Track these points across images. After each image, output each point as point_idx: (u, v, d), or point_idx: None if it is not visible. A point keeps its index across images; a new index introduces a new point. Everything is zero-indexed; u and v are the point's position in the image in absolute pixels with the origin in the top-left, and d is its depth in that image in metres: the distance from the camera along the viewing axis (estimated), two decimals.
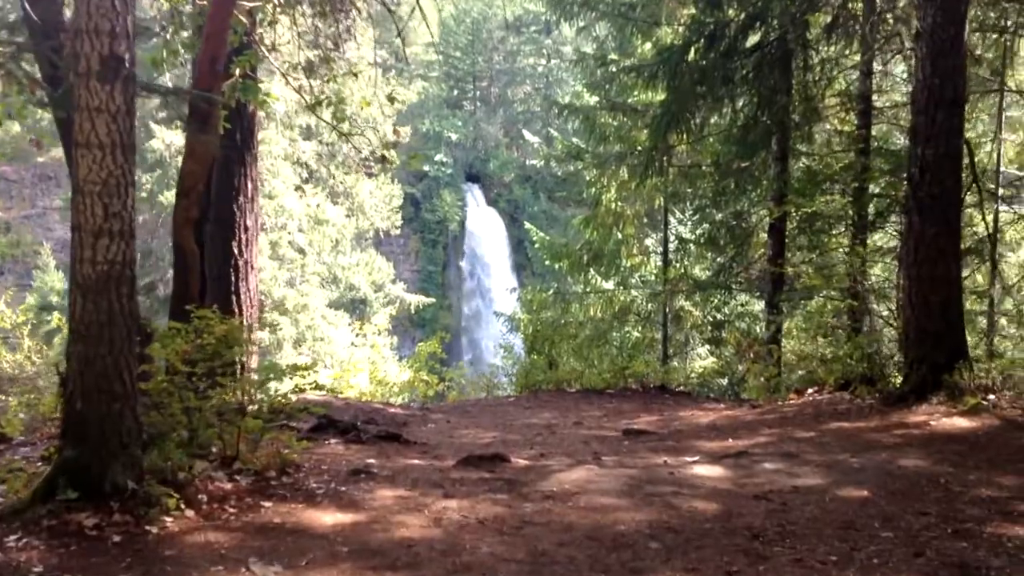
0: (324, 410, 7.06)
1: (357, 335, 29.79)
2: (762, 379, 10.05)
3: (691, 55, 9.28)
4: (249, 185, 12.40)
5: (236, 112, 11.69)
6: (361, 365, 34.29)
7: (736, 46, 9.37)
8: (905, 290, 7.82)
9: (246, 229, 12.33)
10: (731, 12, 9.16)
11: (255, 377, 12.19)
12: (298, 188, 39.80)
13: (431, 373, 13.23)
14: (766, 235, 14.28)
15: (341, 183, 43.72)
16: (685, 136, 10.36)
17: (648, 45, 15.15)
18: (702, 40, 9.16)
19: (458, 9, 66.80)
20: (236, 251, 12.20)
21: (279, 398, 6.88)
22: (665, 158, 10.28)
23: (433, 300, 51.72)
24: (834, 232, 13.31)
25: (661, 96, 14.97)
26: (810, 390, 8.68)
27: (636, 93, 15.31)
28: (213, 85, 6.78)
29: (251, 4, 8.78)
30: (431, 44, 66.90)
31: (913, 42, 8.40)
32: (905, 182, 12.37)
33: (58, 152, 41.72)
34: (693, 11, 10.77)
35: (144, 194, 33.18)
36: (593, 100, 16.00)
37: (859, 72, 12.47)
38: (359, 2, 11.36)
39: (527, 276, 56.35)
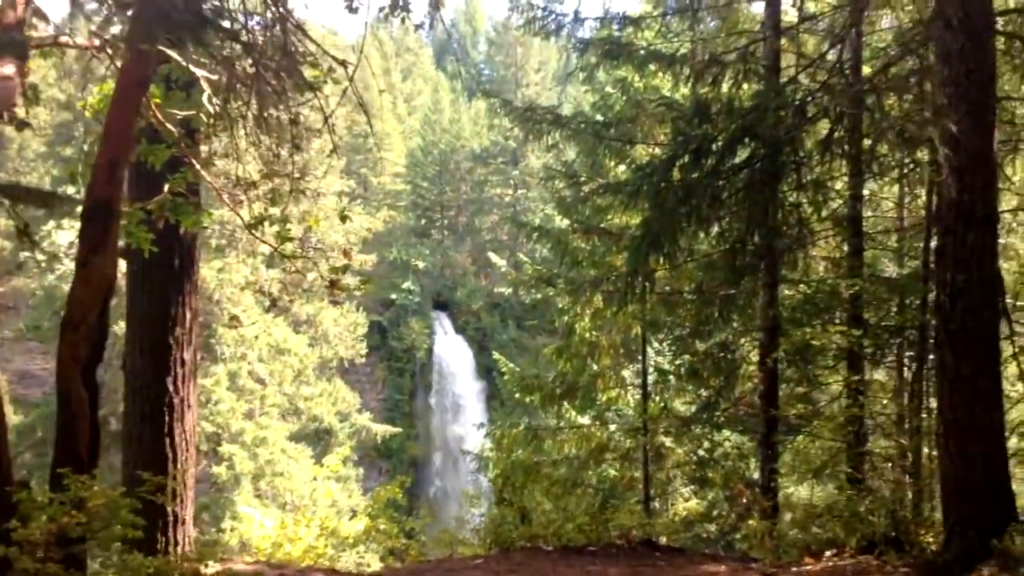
0: None
1: (315, 478, 28.26)
2: (763, 535, 8.80)
3: (676, 172, 8.37)
4: (188, 315, 11.21)
5: (174, 234, 10.69)
6: (319, 504, 32.51)
7: (724, 162, 8.49)
8: (942, 439, 6.73)
9: (182, 363, 11.07)
10: (720, 125, 8.29)
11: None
12: (268, 310, 38.72)
13: (391, 521, 11.81)
14: (753, 367, 13.26)
15: (304, 312, 42.85)
16: (667, 260, 9.39)
17: (622, 168, 14.42)
18: (687, 156, 8.27)
19: (425, 141, 67.68)
20: (171, 388, 10.92)
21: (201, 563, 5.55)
22: (647, 283, 9.29)
23: (400, 429, 50.29)
24: (829, 366, 12.32)
25: (638, 219, 14.23)
26: (827, 552, 7.47)
27: (610, 216, 14.50)
28: (112, 195, 5.69)
29: (183, 114, 7.82)
30: (398, 174, 67.36)
31: (935, 155, 7.56)
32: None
33: (19, 282, 40.36)
34: (673, 127, 9.99)
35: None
36: (564, 223, 15.15)
37: (849, 195, 11.75)
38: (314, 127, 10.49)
39: (496, 405, 55.23)
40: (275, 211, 8.97)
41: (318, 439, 44.41)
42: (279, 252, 8.14)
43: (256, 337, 34.49)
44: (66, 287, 31.88)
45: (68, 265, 32.21)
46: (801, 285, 12.09)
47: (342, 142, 59.59)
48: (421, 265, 60.60)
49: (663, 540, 10.78)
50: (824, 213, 10.49)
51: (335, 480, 40.72)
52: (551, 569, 8.01)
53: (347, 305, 46.37)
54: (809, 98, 8.66)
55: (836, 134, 8.85)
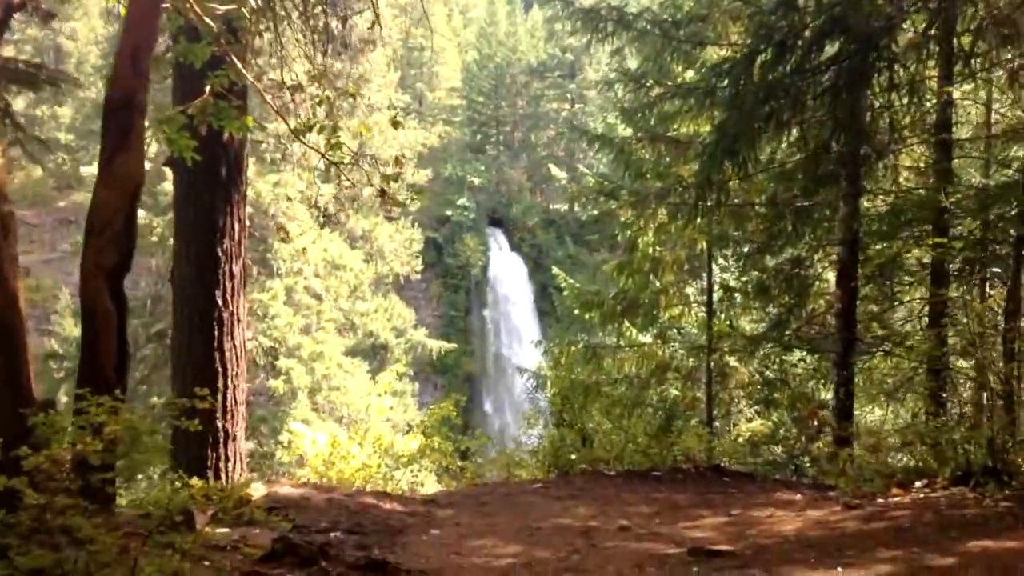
0: (289, 525, 5.34)
1: (371, 394, 28.28)
2: (843, 461, 8.19)
3: (756, 70, 7.59)
4: (236, 226, 10.81)
5: (219, 142, 10.20)
6: (374, 419, 32.63)
7: (809, 59, 7.70)
8: None
9: (231, 276, 10.72)
10: (807, 17, 7.45)
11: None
12: (323, 225, 38.48)
13: (445, 440, 11.45)
14: (827, 284, 12.54)
15: (360, 227, 42.60)
16: (743, 168, 8.66)
17: (690, 73, 13.52)
18: (770, 50, 7.48)
19: (481, 55, 66.37)
20: (220, 301, 10.59)
21: (243, 491, 5.17)
22: (720, 194, 8.60)
23: (455, 346, 50.37)
24: (909, 282, 11.56)
25: (709, 126, 13.39)
26: (917, 483, 6.88)
27: (677, 125, 13.68)
28: (136, 86, 5.14)
29: (224, 7, 7.22)
30: (454, 89, 66.28)
31: None
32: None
33: (78, 196, 40.68)
34: (752, 22, 9.11)
35: (155, 238, 31.90)
36: (627, 132, 14.33)
37: (937, 99, 10.78)
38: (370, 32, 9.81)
39: (551, 322, 55.02)
40: (323, 117, 8.40)
41: (374, 354, 44.69)
42: (327, 160, 7.56)
43: (305, 250, 34.18)
44: None
45: None
46: (883, 196, 11.22)
47: (396, 55, 58.69)
48: (476, 181, 59.97)
49: (729, 464, 10.30)
50: (915, 117, 9.59)
51: (391, 395, 41.03)
52: (614, 495, 7.55)
53: (402, 221, 46.04)
54: None
55: (933, 30, 7.99)
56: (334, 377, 36.30)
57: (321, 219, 38.40)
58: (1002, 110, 12.40)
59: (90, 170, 33.96)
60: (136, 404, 33.47)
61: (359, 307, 41.68)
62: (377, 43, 44.77)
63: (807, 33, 7.56)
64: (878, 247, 10.67)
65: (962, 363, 9.74)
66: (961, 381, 9.79)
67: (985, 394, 8.57)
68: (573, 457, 9.11)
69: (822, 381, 13.57)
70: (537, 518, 6.57)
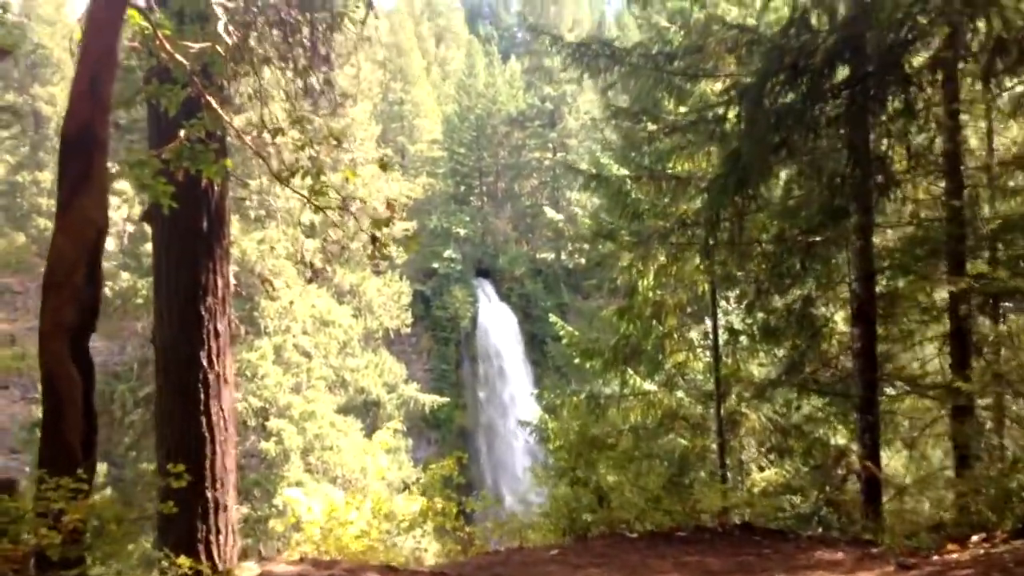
0: None
1: (367, 455, 27.50)
2: (887, 515, 7.60)
3: (767, 96, 7.14)
4: (219, 283, 10.23)
5: (199, 193, 9.68)
6: (370, 477, 31.77)
7: (822, 82, 7.25)
8: None
9: (216, 336, 10.12)
10: (820, 36, 7.01)
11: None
12: (310, 280, 37.99)
13: (447, 500, 10.77)
14: (839, 324, 12.03)
15: (348, 281, 42.12)
16: (754, 201, 8.18)
17: (683, 108, 13.12)
18: (782, 73, 7.03)
19: (461, 106, 66.65)
20: (205, 362, 9.97)
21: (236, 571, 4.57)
22: (736, 227, 8.10)
23: (448, 399, 49.70)
24: (925, 320, 11.05)
25: (706, 163, 12.97)
26: (974, 537, 6.28)
27: (672, 163, 13.26)
28: (95, 118, 4.59)
29: (197, 46, 6.74)
30: (435, 141, 66.39)
31: None
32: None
33: None
34: (756, 50, 8.69)
35: (140, 300, 31.36)
36: (621, 171, 13.88)
37: (943, 126, 10.35)
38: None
39: (542, 373, 54.53)
40: (305, 160, 7.89)
41: (366, 411, 44.06)
42: (314, 204, 7.04)
43: (292, 303, 33.60)
44: (107, 265, 31.43)
45: (111, 245, 31.69)
46: (898, 228, 10.75)
47: (376, 109, 58.66)
48: (462, 232, 59.77)
49: (748, 518, 9.68)
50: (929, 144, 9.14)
51: (386, 452, 40.13)
52: (639, 561, 6.91)
53: (390, 274, 45.66)
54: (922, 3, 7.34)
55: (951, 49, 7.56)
56: (327, 436, 35.57)
57: (308, 274, 37.91)
58: (1004, 139, 12.05)
59: None
60: (126, 471, 32.63)
61: (349, 363, 41.08)
62: (358, 96, 44.73)
63: (819, 55, 7.10)
64: (900, 282, 10.16)
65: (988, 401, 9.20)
66: (991, 423, 9.24)
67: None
68: (589, 519, 8.48)
69: (838, 426, 13.02)
70: None
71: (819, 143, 8.15)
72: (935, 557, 6.01)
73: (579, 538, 8.28)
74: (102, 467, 35.57)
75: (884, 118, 8.09)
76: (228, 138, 10.19)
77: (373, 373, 43.74)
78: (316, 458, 35.44)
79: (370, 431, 40.03)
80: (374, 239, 7.31)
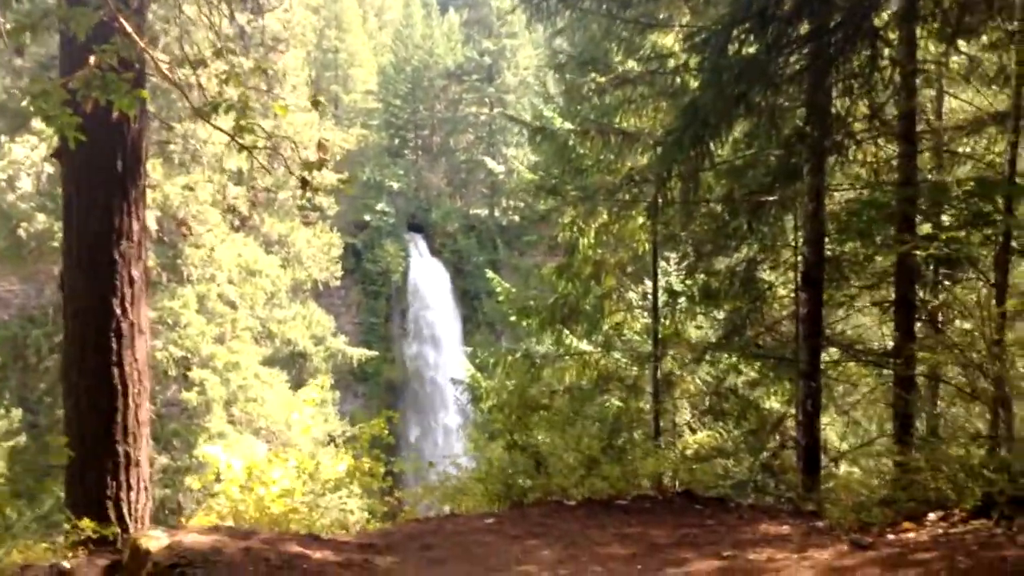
0: None
1: (294, 413, 27.01)
2: (838, 488, 7.34)
3: (733, 41, 6.70)
4: (135, 226, 9.49)
5: (113, 129, 8.94)
6: (295, 431, 31.27)
7: (787, 32, 6.85)
8: None
9: (131, 282, 9.41)
10: None
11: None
12: (237, 228, 37.01)
13: (375, 461, 10.28)
14: (783, 288, 11.82)
15: (276, 231, 41.16)
16: (708, 158, 7.78)
17: (631, 62, 12.66)
18: (748, 21, 6.60)
19: (397, 57, 65.36)
20: (118, 311, 9.28)
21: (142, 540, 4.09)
22: (690, 185, 7.71)
23: (376, 353, 49.20)
24: (872, 284, 10.84)
25: (653, 121, 12.56)
26: (931, 515, 6.02)
27: (619, 118, 12.81)
28: None
29: None
30: (370, 92, 65.06)
31: None
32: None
33: None
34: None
35: (56, 243, 30.14)
36: (566, 125, 13.37)
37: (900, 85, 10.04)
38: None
39: (472, 329, 54.30)
40: (231, 94, 7.26)
41: (293, 363, 43.45)
42: (238, 141, 6.43)
43: (214, 251, 32.64)
44: (24, 205, 29.95)
45: (27, 185, 30.15)
46: (851, 190, 10.48)
47: (310, 57, 57.04)
48: (395, 186, 58.83)
49: (688, 485, 9.41)
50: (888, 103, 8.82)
51: (311, 405, 39.47)
52: (579, 531, 6.54)
53: (320, 225, 44.73)
54: None
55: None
56: (251, 388, 34.90)
57: (235, 222, 36.82)
58: (956, 103, 11.88)
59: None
60: (40, 417, 31.50)
61: (276, 314, 40.33)
62: (290, 41, 43.37)
63: (787, 3, 6.69)
64: (847, 246, 9.90)
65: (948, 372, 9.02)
66: (942, 393, 9.08)
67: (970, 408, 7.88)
68: (526, 485, 8.11)
69: (774, 391, 12.89)
70: (495, 566, 5.54)
71: (778, 99, 7.78)
72: (890, 536, 5.74)
73: (515, 505, 7.91)
74: (16, 413, 34.39)
75: (846, 74, 7.73)
76: (148, 73, 9.45)
77: (301, 325, 43.06)
78: (239, 409, 34.83)
79: (296, 384, 39.43)
80: (304, 183, 6.75)
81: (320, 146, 7.05)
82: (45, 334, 31.06)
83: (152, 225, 30.20)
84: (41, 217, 29.88)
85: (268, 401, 34.75)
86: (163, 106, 29.16)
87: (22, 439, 34.74)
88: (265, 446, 31.71)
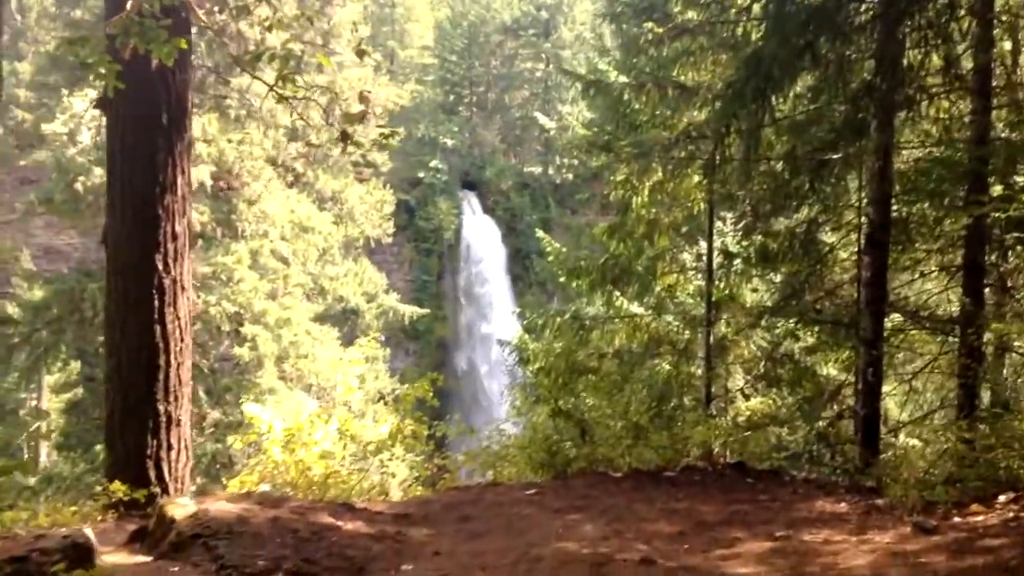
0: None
1: (340, 372, 27.00)
2: (901, 464, 6.94)
3: None
4: (179, 180, 9.33)
5: (158, 79, 8.74)
6: (344, 389, 31.40)
7: None
8: None
9: (174, 238, 9.26)
10: None
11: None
12: (291, 185, 37.07)
13: (419, 423, 10.08)
14: (846, 252, 11.32)
15: (329, 188, 41.16)
16: (769, 112, 7.33)
17: (691, 12, 12.11)
18: None
19: (454, 12, 64.71)
20: (160, 266, 9.15)
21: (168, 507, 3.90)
22: (751, 142, 7.27)
23: (428, 311, 49.20)
24: (937, 248, 10.31)
25: (711, 75, 12.06)
26: (1001, 497, 5.64)
27: (676, 71, 12.30)
28: None
29: None
30: (426, 47, 64.63)
31: None
32: None
33: (40, 155, 39.06)
34: None
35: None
36: (621, 79, 12.88)
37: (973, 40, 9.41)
38: None
39: (524, 288, 54.06)
40: (276, 44, 7.00)
41: (345, 319, 43.59)
42: (277, 92, 6.17)
43: (263, 207, 32.68)
44: (81, 159, 30.18)
45: (86, 139, 30.36)
46: (914, 151, 9.92)
47: (367, 12, 56.73)
48: (449, 143, 58.46)
49: (740, 456, 9.07)
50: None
51: (363, 360, 39.71)
52: (624, 505, 6.25)
53: (374, 181, 44.61)
54: None
55: None
56: (302, 344, 35.02)
57: (289, 179, 36.82)
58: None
59: (52, 127, 32.24)
60: (97, 370, 32.00)
61: (328, 271, 40.40)
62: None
63: None
64: (915, 207, 9.37)
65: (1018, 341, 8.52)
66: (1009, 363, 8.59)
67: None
68: (571, 454, 7.82)
69: (832, 357, 12.41)
70: (535, 541, 5.28)
71: (846, 49, 7.28)
72: (956, 518, 5.37)
73: (558, 475, 7.63)
74: (75, 366, 35.02)
75: (920, 24, 7.20)
76: (193, 23, 9.22)
77: (353, 282, 43.10)
78: (291, 365, 35.02)
79: (348, 340, 39.55)
80: (344, 135, 6.47)
81: (362, 98, 6.77)
82: (101, 288, 31.38)
83: (207, 180, 30.34)
84: (98, 171, 30.09)
85: (319, 358, 34.90)
86: (220, 60, 29.01)
87: (80, 391, 35.42)
88: (316, 402, 31.92)
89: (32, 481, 35.05)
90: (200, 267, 31.48)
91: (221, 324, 32.37)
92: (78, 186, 30.19)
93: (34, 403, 42.48)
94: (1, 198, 51.87)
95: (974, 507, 5.51)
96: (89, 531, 4.90)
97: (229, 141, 31.72)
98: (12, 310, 33.87)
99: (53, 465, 38.60)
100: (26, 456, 42.20)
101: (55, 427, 40.38)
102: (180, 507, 4.94)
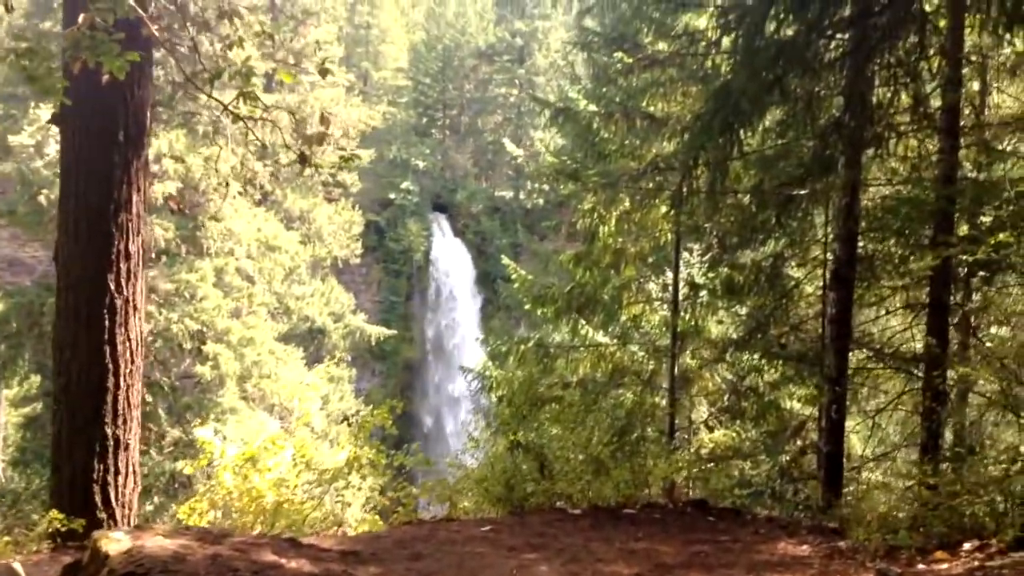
0: None
1: (296, 399, 26.71)
2: (866, 508, 6.81)
3: (770, 24, 6.17)
4: (135, 198, 9.08)
5: (117, 95, 8.52)
6: (304, 408, 30.96)
7: (832, 12, 6.30)
8: None
9: (128, 256, 9.01)
10: None
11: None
12: (259, 203, 36.76)
13: (378, 453, 9.83)
14: (811, 287, 11.29)
15: (298, 207, 40.92)
16: (737, 147, 7.25)
17: (661, 45, 12.10)
18: (786, 1, 6.06)
19: (429, 35, 64.90)
20: (112, 285, 8.89)
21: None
22: (717, 174, 7.19)
23: (395, 332, 48.99)
24: (901, 285, 10.28)
25: (682, 107, 12.04)
26: (966, 545, 5.52)
27: (646, 102, 12.28)
28: None
29: None
30: (400, 69, 64.66)
31: None
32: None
33: (6, 167, 38.51)
34: None
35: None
36: (592, 107, 12.82)
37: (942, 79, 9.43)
38: None
39: (493, 311, 53.94)
40: (236, 60, 6.82)
41: (311, 339, 43.22)
42: (231, 112, 5.99)
43: (223, 224, 32.36)
44: (46, 172, 29.69)
45: (53, 151, 29.90)
46: (881, 188, 9.90)
47: (342, 32, 56.61)
48: (421, 165, 58.44)
49: (701, 492, 8.94)
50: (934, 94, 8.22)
51: (328, 381, 39.40)
52: (582, 545, 6.06)
53: (343, 202, 44.43)
54: None
55: None
56: (265, 364, 34.59)
57: (257, 197, 36.50)
58: (1002, 97, 11.29)
59: (18, 139, 31.72)
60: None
61: (295, 291, 40.09)
62: (321, 15, 42.92)
63: None
64: (881, 245, 9.34)
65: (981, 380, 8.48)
66: (973, 403, 8.54)
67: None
68: (529, 488, 7.63)
69: (794, 391, 12.37)
70: None
71: (816, 85, 7.23)
72: (920, 565, 5.24)
73: (515, 512, 7.44)
74: (36, 380, 34.34)
75: (890, 62, 7.16)
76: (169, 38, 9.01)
77: (319, 302, 42.83)
78: (253, 385, 34.56)
79: (314, 360, 39.22)
80: (303, 157, 6.30)
81: (322, 119, 6.59)
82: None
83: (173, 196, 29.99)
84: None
85: (282, 377, 34.51)
86: (190, 74, 28.69)
87: (39, 406, 34.68)
88: (277, 423, 31.51)
89: None
90: (163, 283, 31.08)
91: (183, 342, 31.90)
92: (42, 199, 29.71)
93: None
94: None
95: (938, 554, 5.38)
96: (18, 565, 4.66)
97: (197, 155, 31.37)
98: None
99: (9, 481, 37.75)
100: None
101: (12, 442, 39.53)
102: (115, 542, 4.70)
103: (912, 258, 9.24)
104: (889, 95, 7.60)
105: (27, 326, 31.60)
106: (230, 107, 6.09)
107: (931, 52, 7.02)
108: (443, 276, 56.24)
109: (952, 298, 9.64)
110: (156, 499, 29.88)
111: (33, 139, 30.72)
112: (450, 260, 56.63)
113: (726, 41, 8.19)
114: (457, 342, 53.37)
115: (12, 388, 36.11)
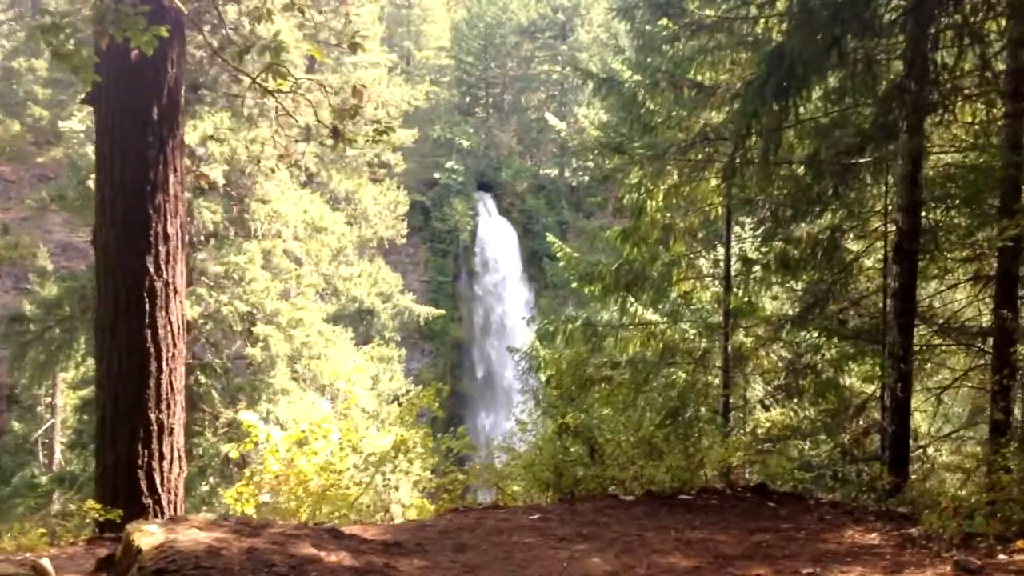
0: None
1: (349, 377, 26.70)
2: (939, 494, 6.43)
3: None
4: (171, 178, 8.91)
5: (150, 72, 8.35)
6: (355, 390, 30.93)
7: None
8: None
9: (166, 239, 8.84)
10: None
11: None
12: (304, 184, 36.80)
13: (426, 437, 9.61)
14: (872, 260, 10.82)
15: (343, 188, 40.92)
16: (794, 110, 6.86)
17: (708, 9, 11.63)
18: None
19: (471, 13, 64.42)
20: (151, 269, 8.73)
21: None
22: (770, 144, 6.81)
23: (443, 312, 48.97)
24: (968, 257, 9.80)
25: (729, 75, 11.60)
26: None
27: (693, 71, 11.83)
28: None
29: None
30: (442, 48, 64.36)
31: None
32: None
33: (56, 151, 38.98)
34: None
35: None
36: (635, 77, 12.40)
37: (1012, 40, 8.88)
38: None
39: (540, 289, 53.76)
40: (264, 35, 6.57)
41: (360, 320, 43.34)
42: (260, 86, 5.75)
43: (270, 208, 32.37)
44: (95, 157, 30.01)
45: None
46: (950, 155, 9.41)
47: (384, 12, 56.41)
48: (465, 144, 58.14)
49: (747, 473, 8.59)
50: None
51: (378, 360, 39.51)
52: (635, 535, 5.76)
53: (387, 182, 44.34)
54: None
55: None
56: (314, 345, 34.70)
57: (302, 179, 36.53)
58: None
59: (68, 124, 32.02)
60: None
61: (342, 272, 40.15)
62: None
63: None
64: (948, 214, 8.88)
65: None
66: None
67: None
68: (579, 474, 7.34)
69: (853, 367, 11.90)
70: (533, 573, 4.83)
71: (875, 47, 6.79)
72: (1001, 556, 4.88)
73: (564, 499, 7.16)
74: (91, 363, 34.82)
75: (955, 21, 6.71)
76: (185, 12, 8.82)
77: (367, 282, 42.83)
78: (303, 366, 34.73)
79: (364, 341, 39.33)
80: (335, 131, 6.05)
81: (355, 92, 6.33)
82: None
83: (220, 180, 30.08)
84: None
85: (332, 358, 34.60)
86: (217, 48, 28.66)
87: (94, 389, 35.08)
88: (329, 404, 31.64)
89: (44, 479, 34.93)
90: (212, 266, 31.26)
91: (233, 323, 32.09)
92: (91, 183, 29.94)
93: (49, 400, 42.45)
94: (20, 194, 51.91)
95: (1020, 543, 5.02)
96: (47, 561, 4.49)
97: (241, 139, 31.41)
98: (28, 307, 33.75)
99: (68, 463, 38.51)
100: (40, 453, 42.19)
101: (69, 424, 40.24)
102: (148, 535, 4.51)
103: (979, 229, 8.75)
104: (953, 57, 7.12)
105: (80, 310, 31.94)
106: (258, 80, 5.84)
107: (998, 11, 6.52)
108: (490, 255, 56.05)
109: (1022, 269, 9.17)
110: (212, 479, 30.23)
111: (83, 124, 30.95)
112: (496, 239, 56.42)
113: (780, 2, 7.78)
114: (504, 320, 53.25)
115: (69, 371, 36.69)
